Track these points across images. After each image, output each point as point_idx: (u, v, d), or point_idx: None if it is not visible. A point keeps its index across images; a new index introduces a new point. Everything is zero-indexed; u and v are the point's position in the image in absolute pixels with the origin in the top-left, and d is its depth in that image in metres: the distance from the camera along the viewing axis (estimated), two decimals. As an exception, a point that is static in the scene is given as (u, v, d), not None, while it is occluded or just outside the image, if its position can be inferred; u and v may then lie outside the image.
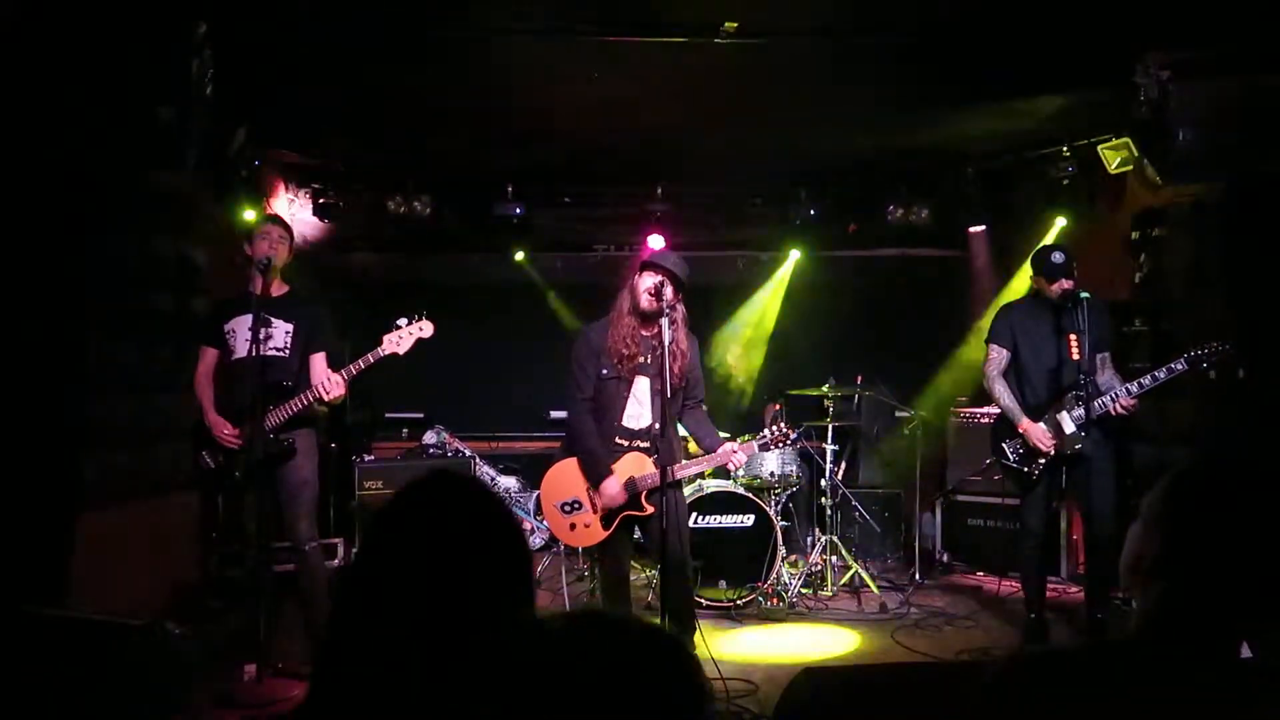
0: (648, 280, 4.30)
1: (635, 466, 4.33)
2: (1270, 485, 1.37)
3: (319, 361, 4.64)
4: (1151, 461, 5.65)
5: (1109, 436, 4.85)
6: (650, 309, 4.25)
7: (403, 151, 6.77)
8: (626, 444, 4.38)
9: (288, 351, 4.56)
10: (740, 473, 6.12)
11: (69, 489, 4.53)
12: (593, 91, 5.34)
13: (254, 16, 4.23)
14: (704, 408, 4.66)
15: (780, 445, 4.60)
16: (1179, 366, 4.52)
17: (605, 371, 4.34)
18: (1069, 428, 4.76)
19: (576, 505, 4.36)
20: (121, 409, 4.97)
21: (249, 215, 6.05)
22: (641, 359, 4.34)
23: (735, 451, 4.37)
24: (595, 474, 4.30)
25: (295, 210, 6.92)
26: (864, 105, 5.74)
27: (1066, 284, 4.75)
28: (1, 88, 3.82)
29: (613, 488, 4.26)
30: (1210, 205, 5.18)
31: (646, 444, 4.37)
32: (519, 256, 7.96)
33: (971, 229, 7.42)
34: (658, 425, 4.24)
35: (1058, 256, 4.81)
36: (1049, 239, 6.69)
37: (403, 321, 4.49)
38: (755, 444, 4.52)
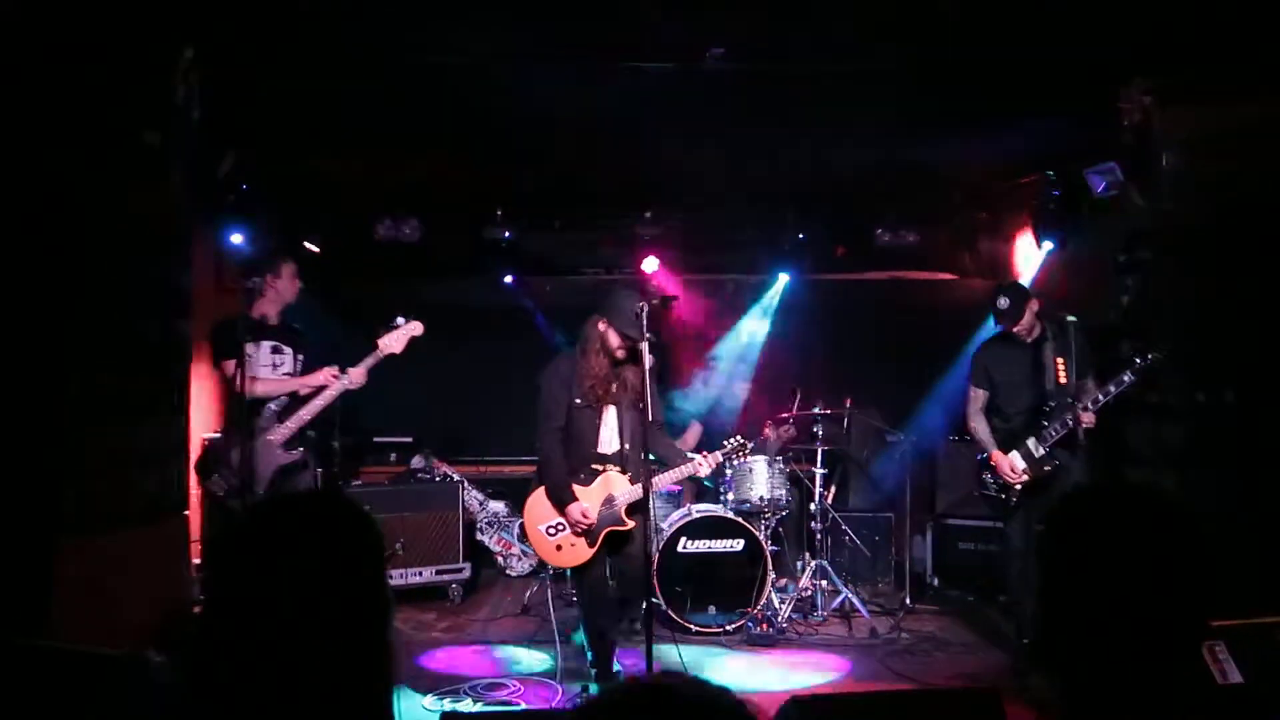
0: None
1: (614, 485, 4.54)
2: (1149, 514, 1.28)
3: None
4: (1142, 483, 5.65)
5: (1078, 456, 4.98)
6: (624, 357, 4.49)
7: (390, 176, 6.76)
8: (601, 468, 4.60)
9: (302, 373, 4.98)
10: (730, 497, 6.12)
11: (48, 518, 4.48)
12: (581, 116, 5.35)
13: (242, 38, 4.25)
14: (660, 427, 4.86)
15: (740, 456, 4.87)
16: (1127, 379, 4.71)
17: (578, 402, 4.53)
18: (1038, 452, 4.99)
19: (561, 527, 4.51)
20: (103, 435, 4.91)
21: (237, 238, 6.04)
22: (613, 392, 4.55)
23: (700, 464, 4.61)
24: (561, 500, 4.48)
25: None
26: (852, 130, 5.76)
27: (1013, 328, 5.04)
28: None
29: (575, 513, 4.45)
30: (1198, 229, 5.20)
31: (618, 466, 4.59)
32: (508, 280, 7.94)
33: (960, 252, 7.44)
34: (628, 446, 4.56)
35: (1002, 302, 5.05)
36: (1036, 262, 6.72)
37: (400, 320, 4.81)
38: (719, 454, 4.71)
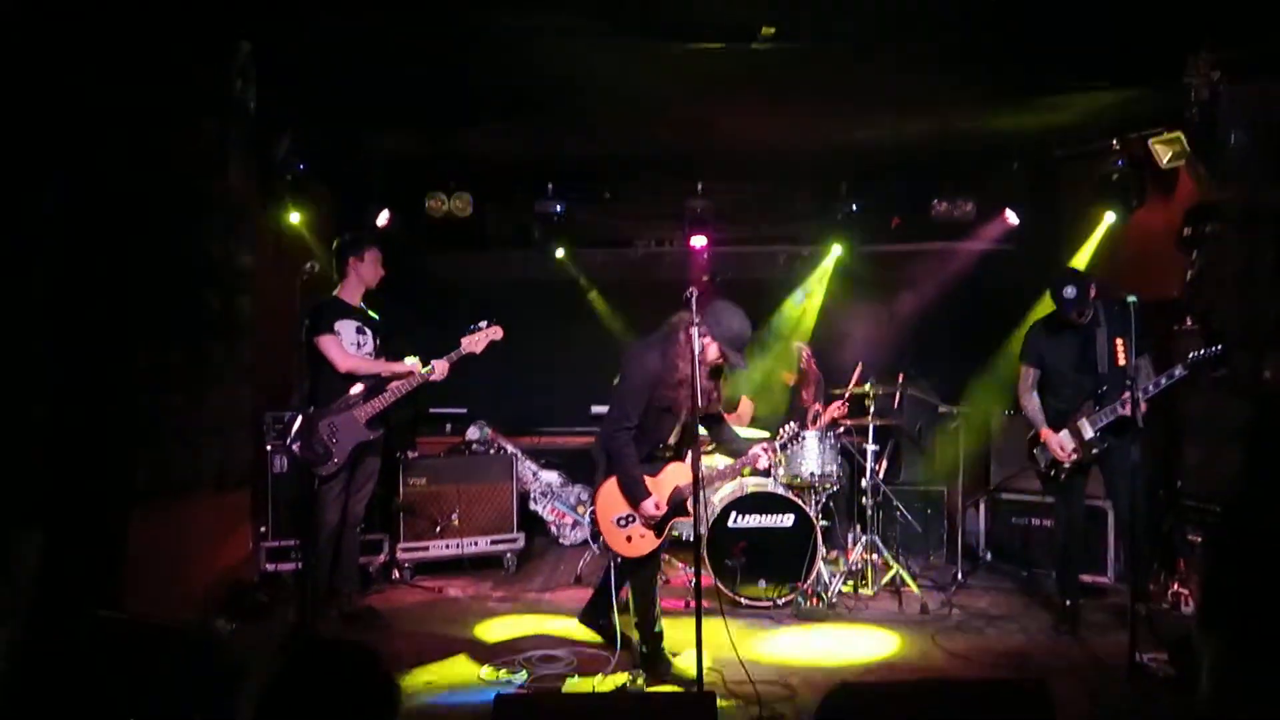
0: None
1: (679, 476, 4.55)
2: None
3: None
4: (1204, 460, 5.56)
5: (1133, 438, 4.89)
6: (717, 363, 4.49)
7: (443, 151, 6.82)
8: (666, 456, 4.62)
9: (374, 358, 5.30)
10: (780, 472, 6.14)
11: (123, 488, 4.67)
12: (633, 90, 5.34)
13: (295, 19, 4.28)
14: (721, 417, 4.88)
15: (796, 444, 4.99)
16: (1178, 372, 4.72)
17: (658, 404, 4.43)
18: (1088, 434, 5.05)
19: (631, 519, 4.53)
20: (172, 407, 5.10)
21: (294, 217, 6.16)
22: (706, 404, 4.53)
23: (759, 457, 4.59)
24: (635, 497, 4.49)
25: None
26: (909, 100, 5.66)
27: (1079, 319, 5.02)
28: (55, 99, 3.93)
29: (649, 508, 4.47)
30: (1264, 206, 5.04)
31: (676, 454, 4.64)
32: (560, 253, 7.99)
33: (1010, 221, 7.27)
34: (684, 433, 4.62)
35: (1069, 292, 4.98)
36: (1097, 235, 6.57)
37: (483, 324, 5.21)
38: (777, 444, 4.69)
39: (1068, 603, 5.28)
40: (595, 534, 5.05)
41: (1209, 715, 1.34)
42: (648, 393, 4.39)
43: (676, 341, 4.32)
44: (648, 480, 4.52)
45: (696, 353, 4.07)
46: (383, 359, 5.32)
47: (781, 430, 4.69)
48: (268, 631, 5.09)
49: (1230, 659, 1.38)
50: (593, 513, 4.60)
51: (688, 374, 4.19)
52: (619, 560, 4.62)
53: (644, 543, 4.54)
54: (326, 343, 5.09)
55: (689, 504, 4.42)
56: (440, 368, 5.20)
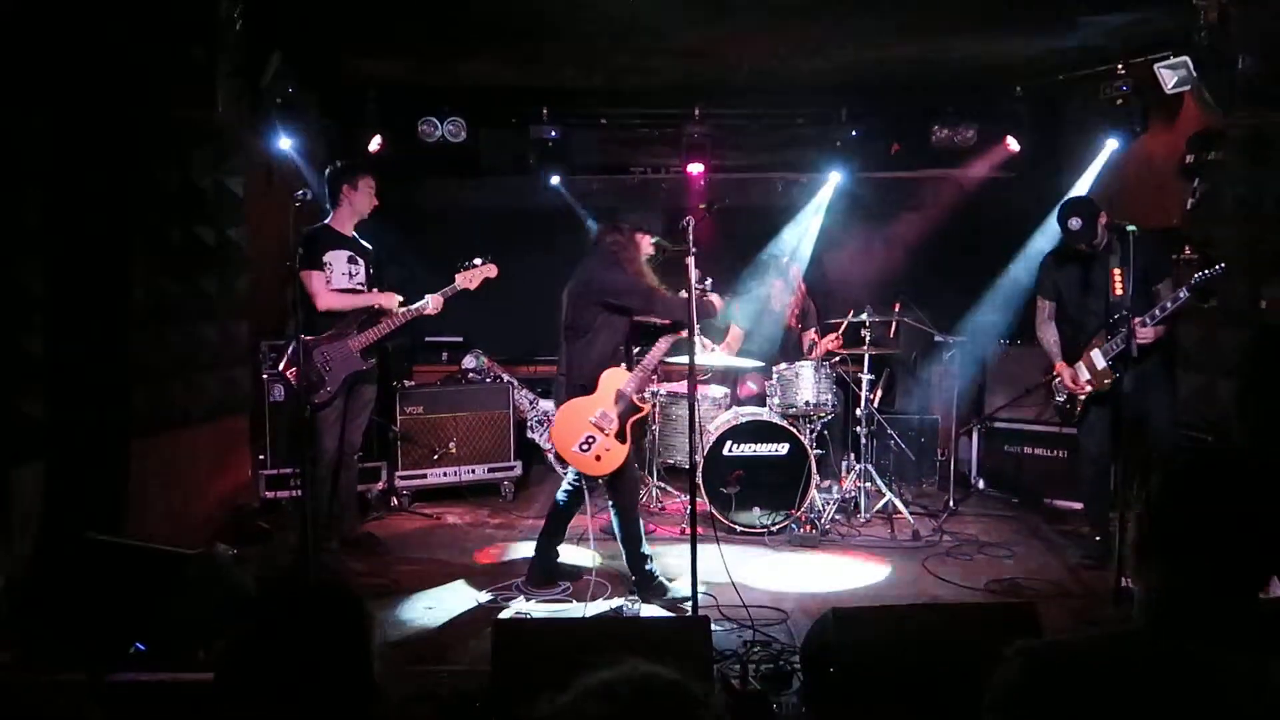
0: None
1: (616, 380, 4.68)
2: (1260, 474, 1.42)
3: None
4: (1198, 389, 5.59)
5: (1157, 366, 5.03)
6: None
7: (435, 76, 6.68)
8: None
9: (367, 287, 5.26)
10: (775, 401, 6.17)
11: (122, 419, 4.69)
12: (630, 14, 5.20)
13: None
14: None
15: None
16: (1183, 295, 4.69)
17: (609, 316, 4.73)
18: (1100, 364, 5.05)
19: (591, 440, 4.61)
20: (168, 339, 5.09)
21: (285, 143, 6.06)
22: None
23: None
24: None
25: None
26: (909, 19, 5.52)
27: (1089, 249, 4.97)
28: (39, 30, 3.83)
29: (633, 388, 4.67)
30: (1270, 134, 4.96)
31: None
32: (554, 180, 7.89)
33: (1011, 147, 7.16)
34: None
35: (1074, 223, 4.94)
36: (1099, 162, 6.49)
37: (478, 261, 5.26)
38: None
39: (1097, 537, 5.23)
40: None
41: (1142, 649, 1.37)
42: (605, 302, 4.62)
43: (629, 249, 4.64)
44: (587, 398, 4.63)
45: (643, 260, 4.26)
46: (375, 289, 5.28)
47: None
48: (269, 557, 5.17)
49: (1168, 592, 1.41)
50: (555, 453, 4.66)
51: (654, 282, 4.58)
52: (601, 481, 4.70)
53: (613, 454, 4.61)
54: (310, 278, 5.05)
55: (636, 399, 4.66)
56: (435, 303, 5.21)
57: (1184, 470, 1.46)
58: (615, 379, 4.66)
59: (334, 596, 1.58)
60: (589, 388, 4.64)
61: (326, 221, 5.25)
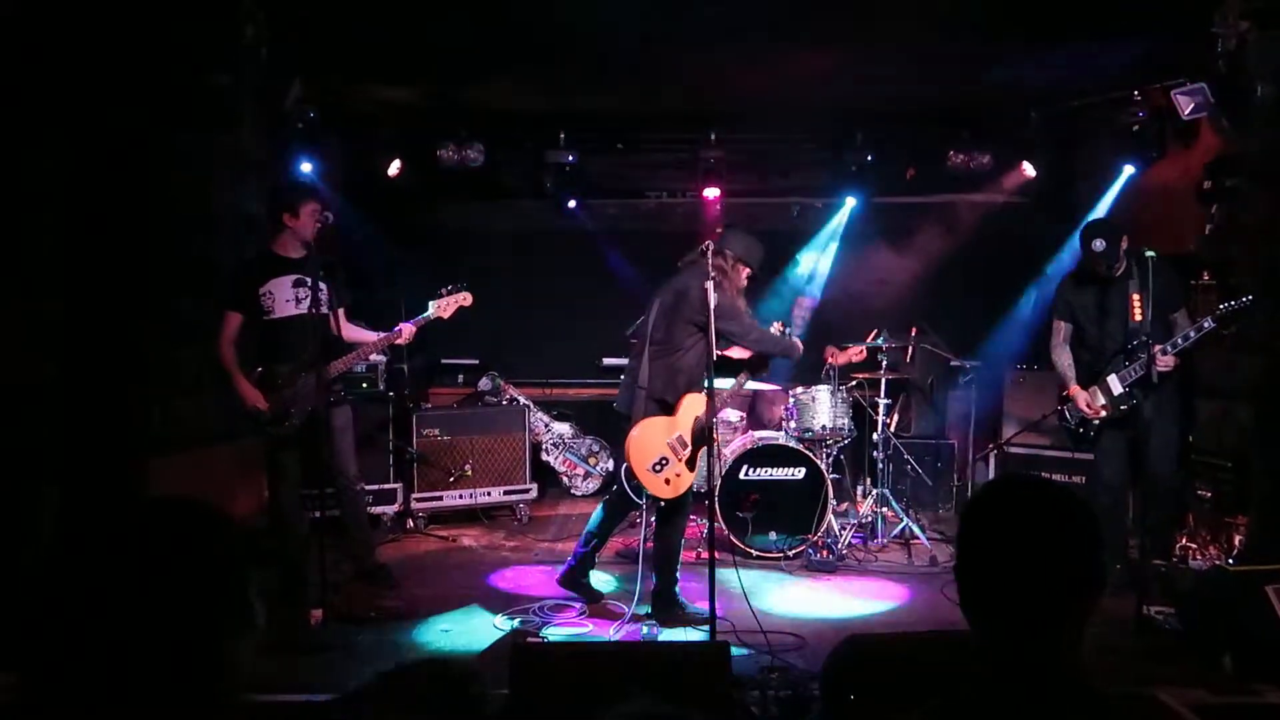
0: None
1: (696, 407, 4.64)
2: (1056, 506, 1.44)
3: (342, 315, 4.98)
4: (1215, 416, 5.55)
5: (1170, 394, 4.94)
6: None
7: (454, 100, 6.74)
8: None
9: (328, 310, 4.72)
10: (792, 425, 6.16)
11: (139, 439, 4.73)
12: (644, 36, 5.24)
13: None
14: None
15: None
16: (1207, 324, 4.65)
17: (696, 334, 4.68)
18: (1116, 389, 4.99)
19: (664, 462, 4.60)
20: (182, 359, 5.13)
21: (305, 167, 6.13)
22: None
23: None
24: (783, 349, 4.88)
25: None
26: (926, 46, 5.54)
27: (1110, 272, 4.93)
28: (65, 55, 3.90)
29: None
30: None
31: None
32: (571, 204, 7.94)
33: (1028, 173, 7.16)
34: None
35: (1098, 244, 4.88)
36: (1115, 188, 6.49)
37: (445, 290, 5.06)
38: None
39: (1118, 565, 5.03)
40: (617, 484, 5.01)
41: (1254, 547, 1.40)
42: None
43: (716, 270, 4.45)
44: (667, 419, 4.60)
45: (712, 306, 4.14)
46: (342, 309, 4.97)
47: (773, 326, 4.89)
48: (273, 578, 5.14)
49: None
50: (627, 467, 4.62)
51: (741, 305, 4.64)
52: (661, 504, 4.68)
53: (682, 480, 4.64)
54: (224, 319, 4.82)
55: (709, 431, 4.51)
56: (407, 331, 5.02)
57: (983, 497, 1.50)
58: (696, 405, 4.63)
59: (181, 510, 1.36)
60: (670, 407, 4.63)
61: (270, 246, 4.95)
